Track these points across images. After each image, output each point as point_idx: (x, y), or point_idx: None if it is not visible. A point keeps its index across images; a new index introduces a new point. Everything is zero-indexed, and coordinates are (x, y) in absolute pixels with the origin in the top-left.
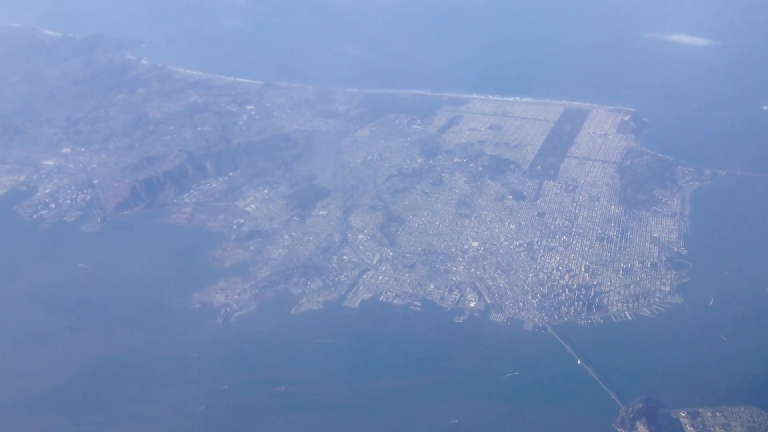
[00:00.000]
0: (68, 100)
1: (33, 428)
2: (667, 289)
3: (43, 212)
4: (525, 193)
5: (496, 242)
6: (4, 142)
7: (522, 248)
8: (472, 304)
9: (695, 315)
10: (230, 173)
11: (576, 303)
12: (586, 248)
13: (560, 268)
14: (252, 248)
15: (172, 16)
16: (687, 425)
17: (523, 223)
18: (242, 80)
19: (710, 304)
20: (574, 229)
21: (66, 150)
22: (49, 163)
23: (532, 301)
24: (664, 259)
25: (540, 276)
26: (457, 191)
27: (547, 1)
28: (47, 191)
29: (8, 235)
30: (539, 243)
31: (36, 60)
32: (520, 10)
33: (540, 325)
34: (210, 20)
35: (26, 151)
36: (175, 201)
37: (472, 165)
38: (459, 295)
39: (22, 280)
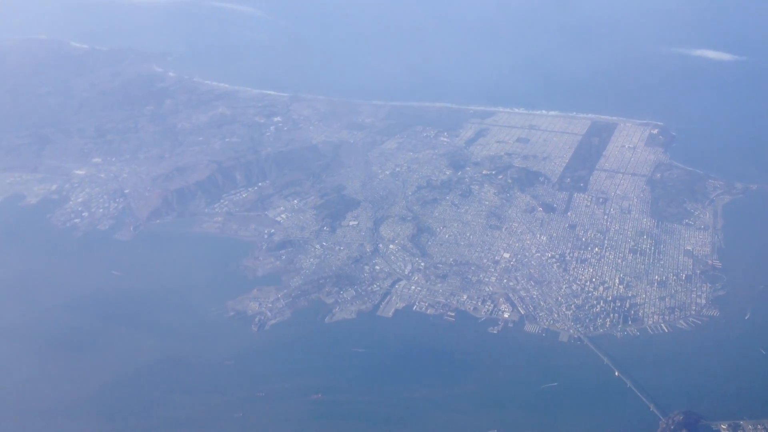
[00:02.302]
0: (97, 111)
1: None
2: (703, 301)
3: (75, 221)
4: (555, 205)
5: (527, 254)
6: (35, 151)
7: (554, 260)
8: (506, 315)
9: (732, 328)
10: (260, 183)
11: (611, 315)
12: (619, 260)
13: (594, 279)
14: (284, 257)
15: (197, 29)
16: None
17: (554, 234)
18: (268, 92)
19: (747, 317)
20: (606, 241)
21: (97, 160)
22: (81, 172)
23: (567, 312)
24: (698, 271)
25: (574, 287)
26: (487, 203)
27: (573, 16)
28: (79, 200)
29: (42, 243)
30: (571, 255)
31: (64, 72)
32: (545, 24)
33: (575, 336)
34: (235, 34)
35: (57, 161)
36: (206, 210)
37: (500, 177)
38: (492, 305)
39: (56, 288)
